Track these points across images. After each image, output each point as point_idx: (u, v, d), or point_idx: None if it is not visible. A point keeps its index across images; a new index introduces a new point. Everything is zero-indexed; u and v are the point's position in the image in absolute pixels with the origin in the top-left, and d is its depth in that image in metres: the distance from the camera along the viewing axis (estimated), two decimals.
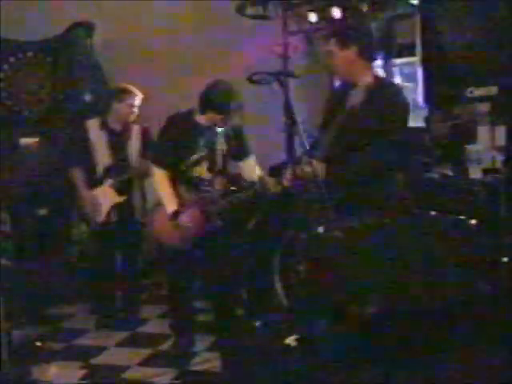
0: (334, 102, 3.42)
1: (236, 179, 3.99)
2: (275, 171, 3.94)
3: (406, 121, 3.29)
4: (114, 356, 4.01)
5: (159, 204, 3.84)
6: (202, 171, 3.81)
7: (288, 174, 3.27)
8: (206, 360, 3.82)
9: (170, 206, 3.74)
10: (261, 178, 3.72)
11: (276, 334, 3.19)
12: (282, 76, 3.11)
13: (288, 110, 3.04)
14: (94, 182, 4.43)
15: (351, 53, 3.24)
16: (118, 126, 4.47)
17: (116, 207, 4.42)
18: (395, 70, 5.46)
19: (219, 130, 3.77)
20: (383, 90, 3.26)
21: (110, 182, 4.41)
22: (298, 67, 5.13)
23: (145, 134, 4.52)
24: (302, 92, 4.82)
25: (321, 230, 3.10)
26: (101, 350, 4.10)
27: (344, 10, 5.11)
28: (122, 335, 4.34)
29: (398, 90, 3.37)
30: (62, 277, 5.02)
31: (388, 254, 2.99)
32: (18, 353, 3.70)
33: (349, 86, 3.31)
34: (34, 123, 5.40)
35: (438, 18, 4.75)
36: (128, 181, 4.45)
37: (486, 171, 3.98)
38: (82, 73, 5.43)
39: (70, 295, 4.96)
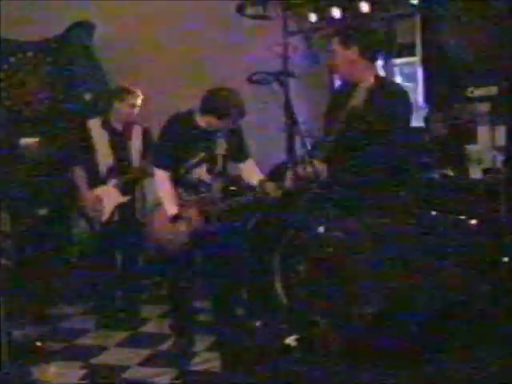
0: (336, 102, 3.40)
1: (236, 181, 3.99)
2: (275, 175, 3.94)
3: (408, 121, 3.27)
4: (113, 356, 4.01)
5: (159, 204, 3.84)
6: (201, 173, 3.81)
7: (289, 175, 3.27)
8: (206, 360, 3.81)
9: (171, 208, 3.74)
10: (261, 183, 3.72)
11: (276, 334, 3.19)
12: (282, 76, 3.11)
13: (288, 110, 3.04)
14: (94, 182, 4.43)
15: (354, 52, 3.22)
16: (119, 126, 4.47)
17: (119, 207, 4.43)
18: (395, 69, 5.46)
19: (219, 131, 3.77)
20: (385, 89, 3.24)
21: (113, 181, 4.42)
22: (298, 67, 5.13)
23: (145, 134, 4.52)
24: (302, 92, 4.83)
25: (321, 229, 3.10)
26: (101, 350, 4.09)
27: (344, 10, 5.11)
28: (122, 335, 4.33)
29: (400, 90, 3.33)
30: (61, 277, 5.03)
31: (388, 254, 2.99)
32: (17, 353, 3.70)
33: (350, 85, 3.29)
34: (33, 123, 5.41)
35: (437, 18, 4.75)
36: (133, 181, 4.47)
37: (485, 171, 3.98)
38: (81, 73, 5.43)
39: (69, 295, 4.96)
